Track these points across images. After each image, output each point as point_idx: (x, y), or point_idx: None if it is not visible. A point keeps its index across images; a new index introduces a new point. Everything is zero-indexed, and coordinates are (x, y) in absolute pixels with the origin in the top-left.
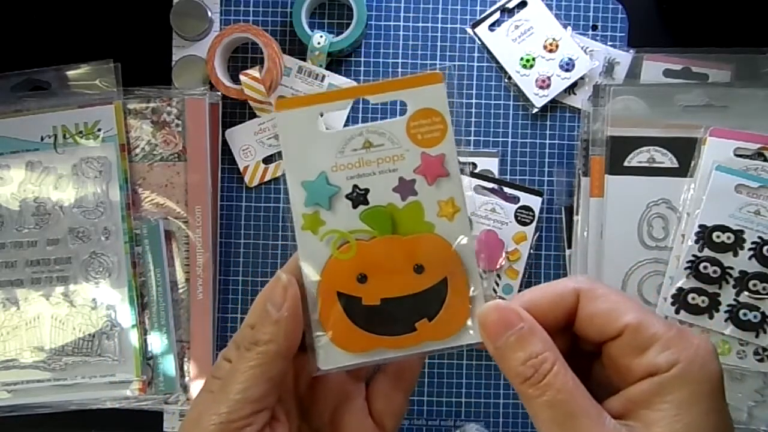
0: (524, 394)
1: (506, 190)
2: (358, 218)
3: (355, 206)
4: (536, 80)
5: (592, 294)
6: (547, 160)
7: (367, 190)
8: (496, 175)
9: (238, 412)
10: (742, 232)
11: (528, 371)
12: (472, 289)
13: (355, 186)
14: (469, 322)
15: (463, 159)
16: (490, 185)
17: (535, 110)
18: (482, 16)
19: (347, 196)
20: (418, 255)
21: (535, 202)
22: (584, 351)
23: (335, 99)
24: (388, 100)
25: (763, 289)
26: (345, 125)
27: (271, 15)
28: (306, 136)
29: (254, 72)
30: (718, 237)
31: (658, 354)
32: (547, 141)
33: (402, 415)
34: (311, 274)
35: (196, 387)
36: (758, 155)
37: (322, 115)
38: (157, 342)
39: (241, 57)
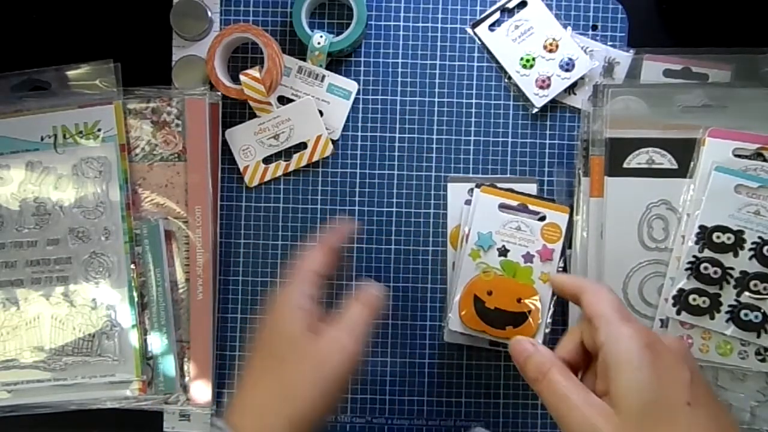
0: (536, 389)
1: (531, 207)
2: (498, 262)
3: (499, 255)
4: (536, 80)
5: (589, 289)
6: (547, 160)
7: (508, 250)
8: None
9: None
10: (742, 232)
11: (535, 374)
12: (540, 321)
13: (504, 246)
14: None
15: (503, 185)
16: (515, 203)
17: (535, 110)
18: (482, 16)
19: (498, 249)
20: (520, 293)
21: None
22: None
23: (509, 198)
24: (538, 211)
25: (764, 289)
26: (345, 124)
27: (271, 15)
28: (487, 211)
29: (254, 72)
30: (718, 237)
31: (601, 331)
32: (547, 141)
33: None
34: (463, 280)
35: (196, 387)
36: (757, 155)
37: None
38: (157, 342)
39: (241, 57)
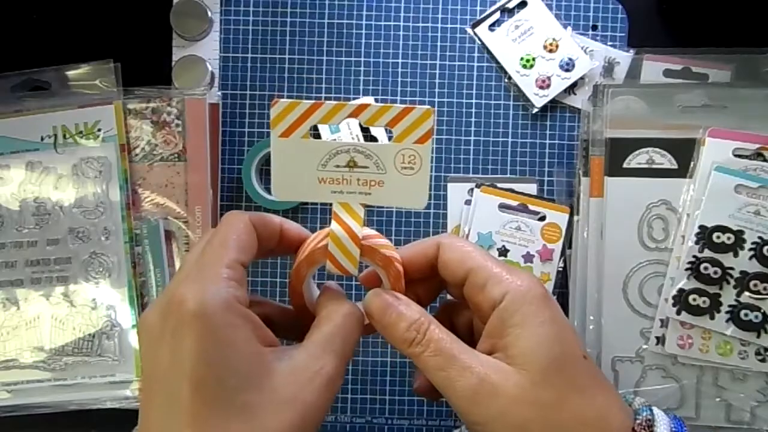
0: (413, 354)
1: (531, 207)
2: None
3: (499, 255)
4: (536, 80)
5: (448, 246)
6: (547, 160)
7: (508, 250)
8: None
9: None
10: (742, 232)
11: (411, 335)
12: None
13: (504, 246)
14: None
15: (503, 186)
16: (515, 203)
17: (535, 110)
18: (482, 16)
19: (498, 249)
20: None
21: (561, 219)
22: (464, 311)
23: (509, 198)
24: (538, 211)
25: (764, 289)
26: None
27: (271, 15)
28: (487, 211)
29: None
30: (718, 238)
31: (492, 288)
32: (547, 141)
33: None
34: None
35: None
36: (757, 155)
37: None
38: None
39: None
